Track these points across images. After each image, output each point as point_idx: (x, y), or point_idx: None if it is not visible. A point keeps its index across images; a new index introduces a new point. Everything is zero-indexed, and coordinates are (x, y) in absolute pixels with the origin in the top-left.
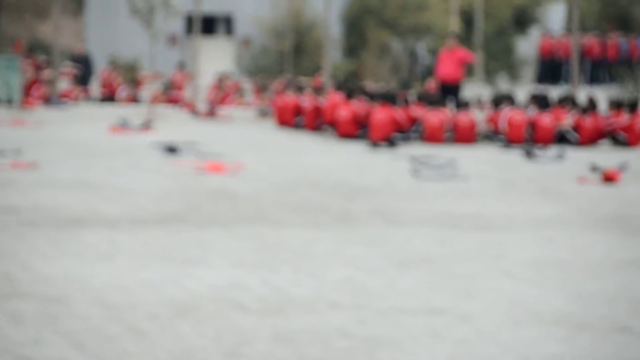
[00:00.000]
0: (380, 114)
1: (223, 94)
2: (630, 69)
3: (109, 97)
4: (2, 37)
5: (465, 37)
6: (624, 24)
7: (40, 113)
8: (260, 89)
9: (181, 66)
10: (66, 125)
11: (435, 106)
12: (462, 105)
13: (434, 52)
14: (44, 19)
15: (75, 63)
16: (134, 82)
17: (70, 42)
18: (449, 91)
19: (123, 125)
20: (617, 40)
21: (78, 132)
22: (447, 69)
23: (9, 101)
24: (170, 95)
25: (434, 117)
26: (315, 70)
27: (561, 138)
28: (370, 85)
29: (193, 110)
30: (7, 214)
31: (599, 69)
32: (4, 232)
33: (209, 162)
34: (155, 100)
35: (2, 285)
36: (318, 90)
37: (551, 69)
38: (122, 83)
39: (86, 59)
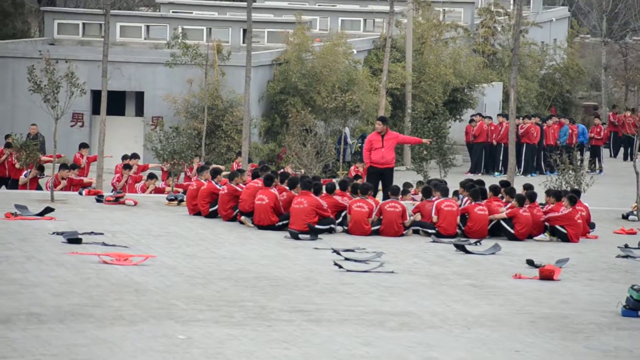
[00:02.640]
0: (302, 202)
1: (130, 177)
2: (569, 156)
3: (3, 179)
4: None
5: (393, 121)
6: (563, 109)
7: None
8: (171, 173)
9: (84, 147)
10: None
11: (363, 194)
12: (391, 193)
13: (362, 137)
14: None
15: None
16: (37, 165)
17: None
18: (383, 176)
19: (21, 212)
20: (556, 126)
21: None
22: (379, 153)
23: None
24: (74, 178)
25: (360, 206)
26: (231, 153)
27: (496, 230)
28: (291, 170)
29: (98, 196)
30: None
31: (536, 156)
32: None
33: (114, 253)
34: (56, 184)
35: None
36: (235, 175)
37: (485, 155)
38: (23, 165)
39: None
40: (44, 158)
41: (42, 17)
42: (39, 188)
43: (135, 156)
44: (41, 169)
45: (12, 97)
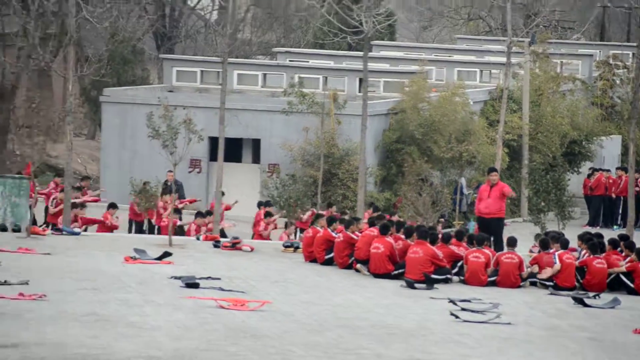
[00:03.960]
0: (418, 252)
1: (273, 226)
2: None
3: (138, 224)
4: (11, 158)
5: (510, 172)
6: None
7: (51, 240)
8: (290, 222)
9: (220, 196)
10: (78, 254)
11: (479, 245)
12: (507, 244)
13: (478, 187)
14: (56, 140)
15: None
16: (176, 210)
17: (83, 164)
18: (489, 227)
19: (139, 256)
20: None
21: (90, 261)
22: (484, 202)
23: (16, 226)
24: (209, 225)
25: (476, 256)
26: (347, 201)
27: (615, 284)
28: (407, 219)
29: (215, 241)
30: (10, 349)
31: None
32: None
33: (231, 298)
34: (197, 232)
35: None
36: (351, 223)
37: (604, 208)
38: (142, 210)
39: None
40: (180, 205)
41: (161, 64)
42: (177, 233)
43: (269, 204)
44: (178, 212)
45: (132, 143)
